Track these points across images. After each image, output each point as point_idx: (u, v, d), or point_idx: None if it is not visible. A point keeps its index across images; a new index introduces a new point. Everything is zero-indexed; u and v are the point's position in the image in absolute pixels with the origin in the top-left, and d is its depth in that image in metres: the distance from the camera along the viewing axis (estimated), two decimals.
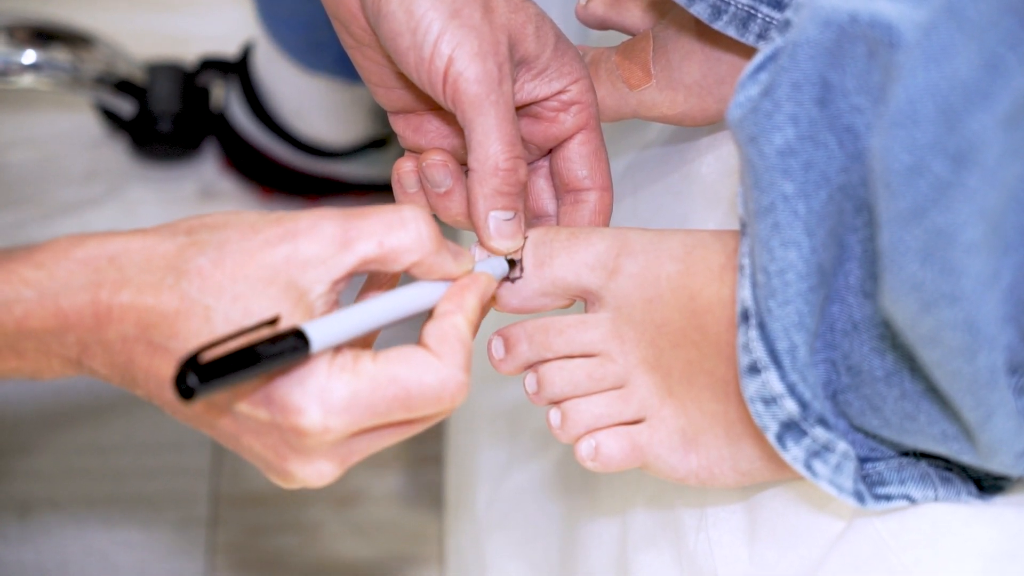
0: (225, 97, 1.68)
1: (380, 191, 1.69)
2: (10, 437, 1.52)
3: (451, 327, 0.72)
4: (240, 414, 0.71)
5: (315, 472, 0.72)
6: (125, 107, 1.67)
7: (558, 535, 1.02)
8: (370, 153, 1.65)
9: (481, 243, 0.81)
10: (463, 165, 0.85)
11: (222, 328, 0.69)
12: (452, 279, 0.75)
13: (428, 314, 0.76)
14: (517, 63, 0.81)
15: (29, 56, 1.60)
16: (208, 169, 1.71)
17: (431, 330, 0.72)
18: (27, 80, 1.61)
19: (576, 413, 0.80)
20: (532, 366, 0.81)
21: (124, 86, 1.65)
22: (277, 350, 0.67)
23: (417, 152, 0.85)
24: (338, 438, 0.70)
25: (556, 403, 0.80)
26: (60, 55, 1.62)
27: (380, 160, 1.66)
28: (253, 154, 1.67)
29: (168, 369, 0.70)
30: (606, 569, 0.93)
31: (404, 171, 0.84)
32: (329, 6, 0.82)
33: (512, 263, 0.80)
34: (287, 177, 1.68)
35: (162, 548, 1.47)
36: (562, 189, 0.85)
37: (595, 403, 0.79)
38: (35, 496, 1.49)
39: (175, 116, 1.66)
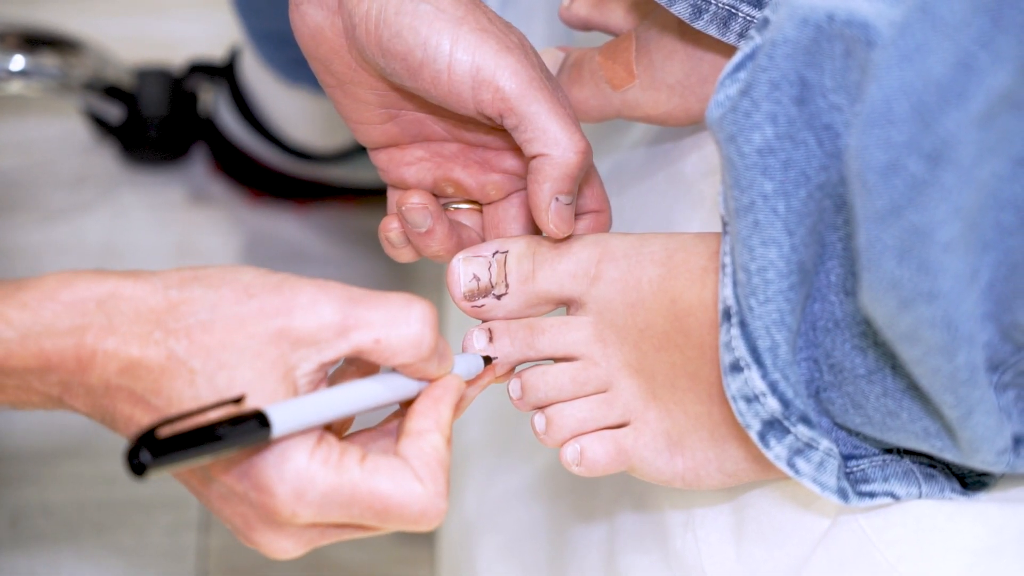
0: (213, 102, 1.68)
1: (368, 194, 1.69)
2: (0, 443, 1.51)
3: (432, 450, 0.72)
4: (215, 480, 0.71)
5: (279, 547, 0.72)
6: (114, 112, 1.67)
7: (547, 538, 1.02)
8: (359, 157, 1.65)
9: (541, 227, 0.79)
10: (443, 197, 0.85)
11: (205, 392, 0.68)
12: (431, 380, 0.75)
13: (398, 407, 0.76)
14: None
15: (17, 62, 1.60)
16: (197, 174, 1.71)
17: (412, 450, 0.72)
18: (15, 86, 1.61)
19: (560, 418, 0.80)
20: (514, 371, 0.81)
21: (112, 91, 1.65)
22: (235, 432, 0.66)
23: (400, 187, 0.85)
24: (306, 524, 0.70)
25: (540, 408, 0.80)
26: (48, 61, 1.62)
27: (369, 164, 1.65)
28: (242, 158, 1.67)
29: (148, 421, 0.69)
30: (595, 570, 0.93)
31: (391, 230, 0.83)
32: (307, 48, 0.81)
33: (488, 360, 0.80)
34: (276, 181, 1.67)
35: (154, 552, 1.47)
36: None
37: (579, 407, 0.79)
38: (26, 501, 1.49)
39: (163, 121, 1.66)
